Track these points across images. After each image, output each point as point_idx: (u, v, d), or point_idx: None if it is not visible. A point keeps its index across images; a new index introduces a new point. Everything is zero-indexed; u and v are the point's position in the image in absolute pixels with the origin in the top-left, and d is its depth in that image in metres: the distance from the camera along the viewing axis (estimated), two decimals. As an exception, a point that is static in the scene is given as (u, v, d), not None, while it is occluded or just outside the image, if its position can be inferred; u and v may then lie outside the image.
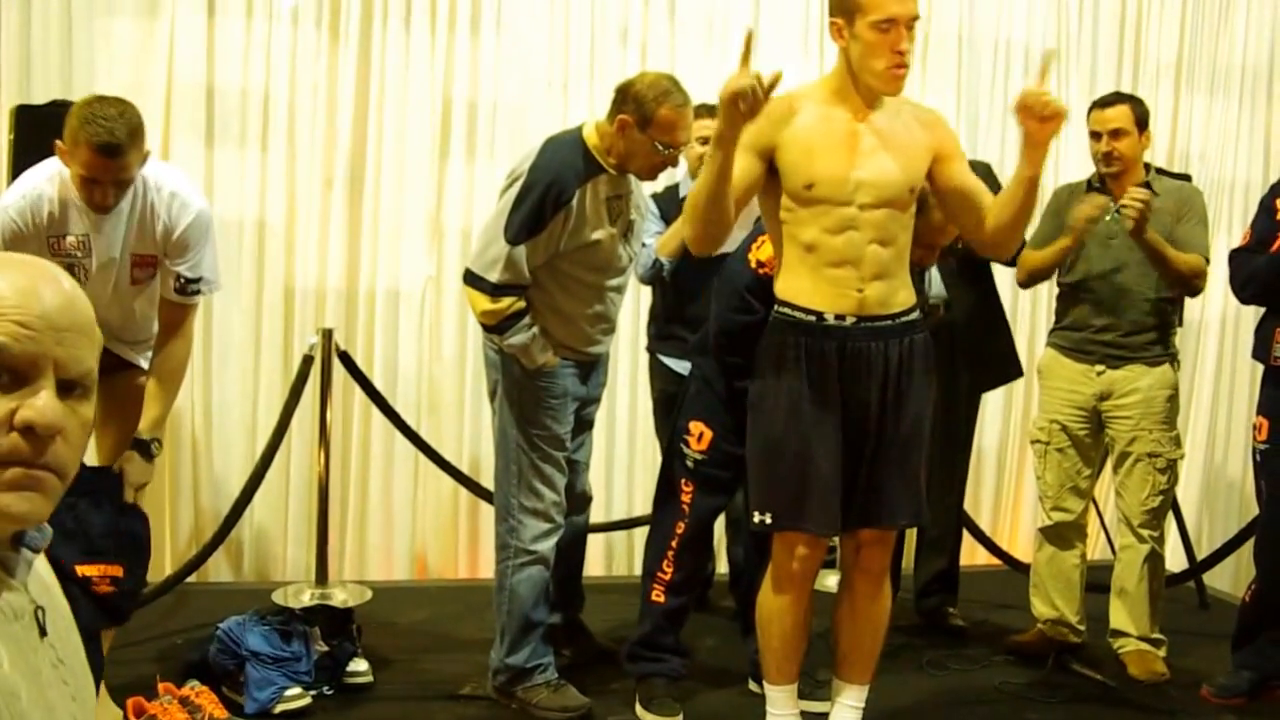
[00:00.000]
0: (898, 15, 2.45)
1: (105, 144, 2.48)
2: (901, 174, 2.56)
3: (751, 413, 2.68)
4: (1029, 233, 3.61)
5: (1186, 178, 3.60)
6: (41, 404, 0.96)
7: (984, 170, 3.69)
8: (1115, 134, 3.33)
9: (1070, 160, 4.69)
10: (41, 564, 1.05)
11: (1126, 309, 3.34)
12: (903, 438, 2.61)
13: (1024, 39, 4.68)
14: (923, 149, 2.60)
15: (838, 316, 2.56)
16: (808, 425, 2.56)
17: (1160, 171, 3.50)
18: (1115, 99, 3.44)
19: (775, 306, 2.64)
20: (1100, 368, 3.37)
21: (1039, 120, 2.41)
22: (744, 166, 2.49)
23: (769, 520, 2.64)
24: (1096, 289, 3.37)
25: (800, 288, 2.58)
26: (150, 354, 2.86)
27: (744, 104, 2.28)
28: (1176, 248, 3.27)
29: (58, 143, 2.57)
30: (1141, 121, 3.36)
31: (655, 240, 3.55)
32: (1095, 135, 3.38)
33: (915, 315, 2.65)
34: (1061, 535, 3.48)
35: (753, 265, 2.92)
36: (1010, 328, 3.85)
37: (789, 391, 2.58)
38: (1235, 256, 3.25)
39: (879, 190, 2.54)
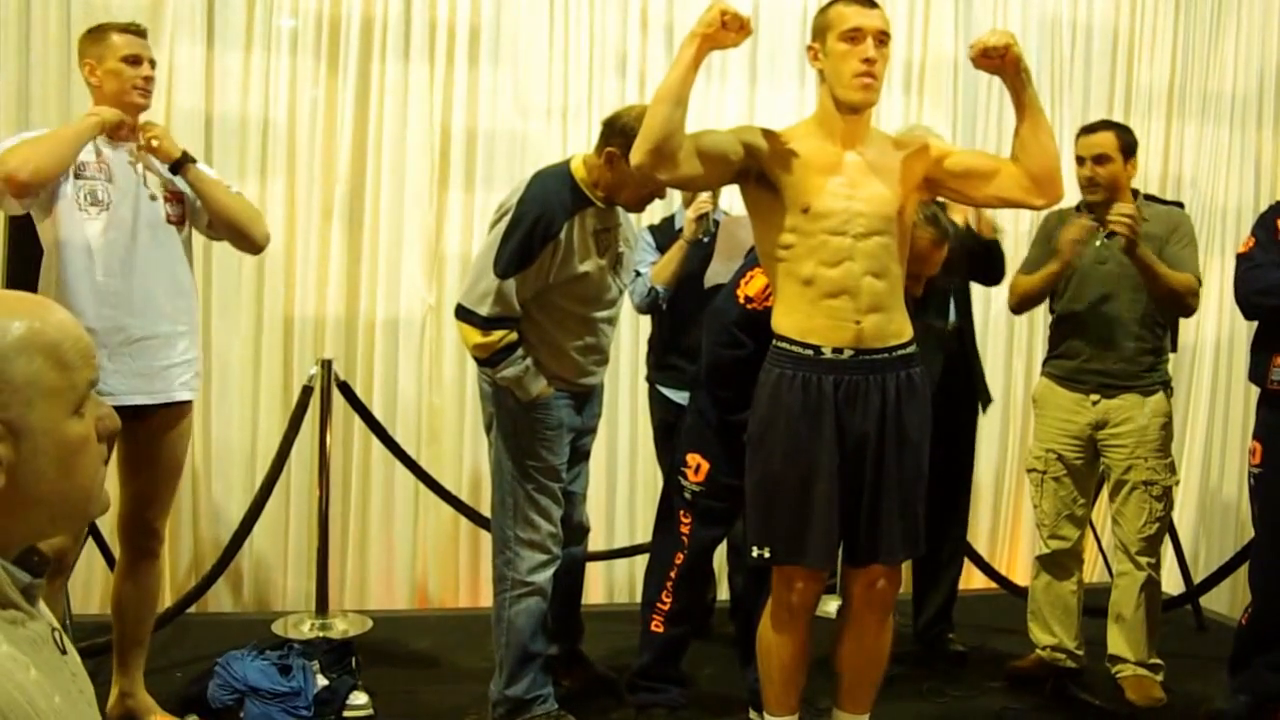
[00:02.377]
0: (864, 26, 2.52)
1: (130, 24, 2.82)
2: (891, 199, 2.60)
3: (750, 447, 2.69)
4: (1019, 258, 3.65)
5: (1179, 205, 3.61)
6: (111, 412, 1.11)
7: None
8: (1099, 159, 3.33)
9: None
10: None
11: (1118, 337, 3.35)
12: (902, 471, 2.62)
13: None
14: (904, 169, 2.64)
15: (835, 350, 2.58)
16: (806, 459, 2.57)
17: (1150, 198, 3.52)
18: (1101, 125, 3.43)
19: (773, 341, 2.66)
20: (1095, 397, 3.39)
21: (999, 60, 2.51)
22: (724, 142, 2.54)
23: (767, 555, 2.65)
24: (1088, 317, 3.38)
25: (797, 322, 2.60)
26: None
27: (728, 18, 2.36)
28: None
29: (88, 63, 2.79)
30: (1127, 149, 3.36)
31: (650, 270, 3.58)
32: (1079, 160, 3.38)
33: (912, 348, 2.67)
34: (1059, 563, 3.50)
35: (740, 300, 2.95)
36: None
37: (787, 426, 2.59)
38: (1245, 261, 3.18)
39: (872, 219, 2.57)
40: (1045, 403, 3.51)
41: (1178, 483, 3.47)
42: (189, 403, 2.91)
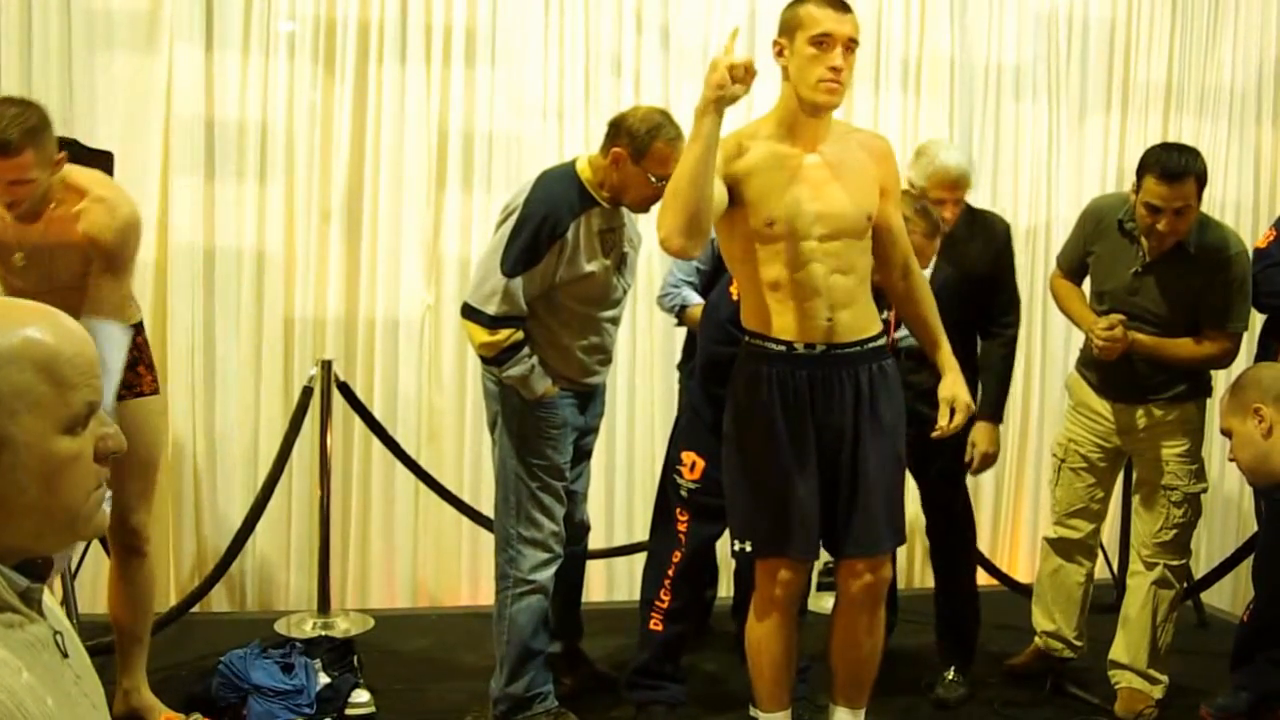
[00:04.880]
0: (834, 32, 2.49)
1: None
2: (856, 204, 2.61)
3: (727, 442, 2.71)
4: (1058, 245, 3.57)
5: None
6: (117, 432, 1.10)
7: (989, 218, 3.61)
8: (1181, 212, 2.95)
9: (1060, 194, 4.73)
10: (45, 591, 1.12)
11: (1146, 366, 3.20)
12: (881, 462, 2.64)
13: (1014, 62, 4.72)
14: (873, 180, 2.65)
15: (807, 345, 2.59)
16: (783, 453, 2.59)
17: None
18: (1182, 167, 2.92)
19: (745, 338, 2.68)
20: (1121, 405, 3.28)
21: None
22: (719, 192, 2.50)
23: (749, 548, 2.67)
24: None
25: (768, 320, 2.62)
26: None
27: (736, 72, 2.28)
28: (1203, 321, 3.14)
29: None
30: (1202, 182, 2.98)
31: (694, 301, 3.46)
32: (1153, 209, 2.98)
33: (883, 340, 2.70)
34: (1065, 550, 3.45)
35: (734, 297, 2.96)
36: None
37: (763, 420, 2.61)
38: (1262, 258, 3.11)
39: (835, 221, 2.58)
40: (1074, 395, 3.42)
41: (1206, 490, 3.30)
42: (147, 395, 2.87)
